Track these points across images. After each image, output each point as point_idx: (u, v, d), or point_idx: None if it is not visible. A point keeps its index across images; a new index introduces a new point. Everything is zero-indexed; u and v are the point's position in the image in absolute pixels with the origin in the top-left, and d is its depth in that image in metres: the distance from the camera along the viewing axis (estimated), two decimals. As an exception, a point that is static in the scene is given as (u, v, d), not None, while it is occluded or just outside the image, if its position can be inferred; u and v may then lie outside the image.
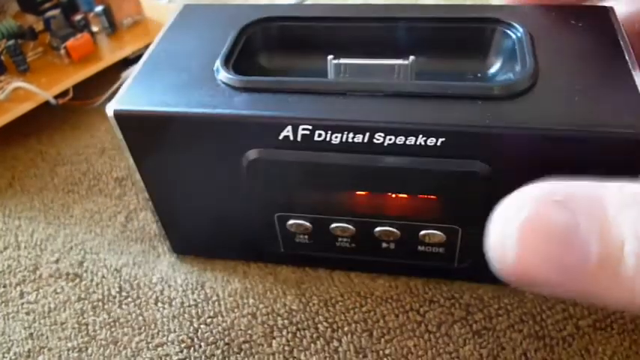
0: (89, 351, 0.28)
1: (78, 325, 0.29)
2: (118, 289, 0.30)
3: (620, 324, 0.27)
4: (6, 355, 0.28)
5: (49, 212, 0.35)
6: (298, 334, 0.27)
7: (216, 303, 0.29)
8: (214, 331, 0.28)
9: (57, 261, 0.32)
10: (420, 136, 0.23)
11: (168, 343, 0.28)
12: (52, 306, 0.30)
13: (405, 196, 0.25)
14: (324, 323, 0.28)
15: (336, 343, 0.27)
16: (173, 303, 0.29)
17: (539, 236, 0.17)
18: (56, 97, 0.40)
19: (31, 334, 0.29)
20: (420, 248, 0.27)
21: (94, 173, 0.37)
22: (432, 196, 0.25)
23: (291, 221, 0.27)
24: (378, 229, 0.27)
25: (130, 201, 0.35)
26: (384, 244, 0.28)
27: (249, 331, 0.28)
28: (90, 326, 0.29)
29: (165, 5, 0.49)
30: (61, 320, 0.29)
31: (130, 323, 0.29)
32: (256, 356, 0.27)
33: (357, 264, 0.30)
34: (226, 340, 0.27)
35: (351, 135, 0.23)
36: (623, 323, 0.27)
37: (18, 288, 0.31)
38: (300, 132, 0.23)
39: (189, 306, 0.29)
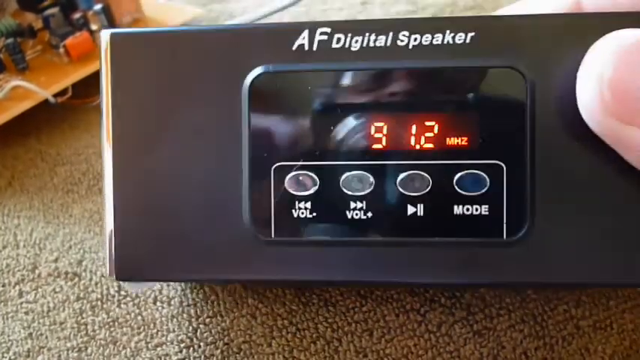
0: (89, 351, 0.28)
1: (77, 324, 0.29)
2: (116, 289, 0.30)
3: (619, 324, 0.27)
4: (5, 354, 0.28)
5: (48, 211, 0.35)
6: (298, 334, 0.27)
7: (215, 302, 0.29)
8: (213, 331, 0.28)
9: (56, 260, 0.32)
10: (448, 32, 0.21)
11: (168, 343, 0.28)
12: (51, 305, 0.30)
13: (432, 121, 0.22)
14: (324, 323, 0.28)
15: (336, 343, 0.27)
16: (172, 302, 0.29)
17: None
18: (55, 95, 0.40)
19: (31, 333, 0.29)
20: (457, 210, 0.22)
21: (93, 173, 0.37)
22: (465, 114, 0.22)
23: (292, 174, 0.22)
24: (402, 175, 0.22)
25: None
26: (411, 208, 0.22)
27: (249, 331, 0.27)
28: (89, 326, 0.29)
29: (163, 3, 0.49)
30: (60, 320, 0.29)
31: (129, 323, 0.28)
32: (256, 356, 0.27)
33: (374, 261, 0.23)
34: (225, 340, 0.27)
35: (372, 37, 0.21)
36: (622, 323, 0.27)
37: (17, 287, 0.31)
38: (318, 37, 0.22)
39: (189, 305, 0.29)
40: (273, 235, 0.22)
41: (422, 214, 0.22)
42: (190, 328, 0.28)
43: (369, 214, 0.22)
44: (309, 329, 0.27)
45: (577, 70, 0.20)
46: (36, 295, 0.30)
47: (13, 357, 0.28)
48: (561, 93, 0.21)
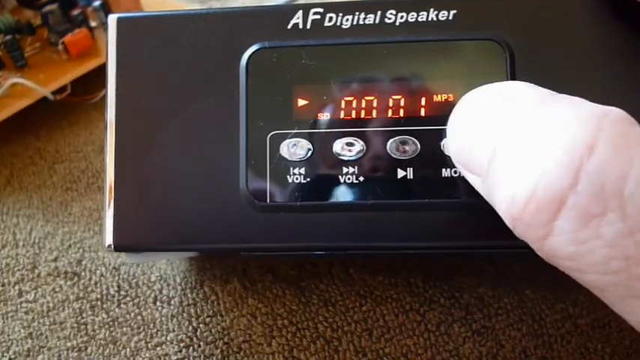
0: (88, 350, 0.28)
1: (77, 324, 0.29)
2: (116, 288, 0.30)
3: (618, 322, 0.27)
4: (5, 354, 0.28)
5: (47, 210, 0.35)
6: (298, 334, 0.27)
7: (215, 302, 0.29)
8: (213, 331, 0.28)
9: (55, 259, 0.32)
10: (432, 10, 0.23)
11: (167, 343, 0.28)
12: (51, 305, 0.30)
13: (419, 91, 0.23)
14: (324, 323, 0.28)
15: (335, 343, 0.27)
16: (172, 302, 0.29)
17: None
18: (54, 93, 0.40)
19: (31, 333, 0.29)
20: (445, 172, 0.23)
21: (92, 171, 0.37)
22: (450, 84, 0.23)
23: (287, 141, 0.23)
24: (392, 141, 0.23)
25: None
26: (401, 172, 0.23)
27: (249, 331, 0.28)
28: (89, 326, 0.29)
29: (162, 1, 0.48)
30: (60, 320, 0.29)
31: (129, 323, 0.29)
32: (256, 356, 0.27)
33: (367, 224, 0.23)
34: (225, 339, 0.27)
35: (362, 15, 0.23)
36: (621, 321, 0.27)
37: (16, 287, 0.31)
38: (311, 17, 0.24)
39: (188, 305, 0.29)
40: (268, 200, 0.23)
41: (411, 177, 0.23)
42: (190, 327, 0.28)
43: (361, 178, 0.23)
44: (308, 329, 0.27)
45: (553, 41, 0.23)
46: (36, 294, 0.30)
47: (13, 356, 0.28)
48: (540, 65, 0.23)
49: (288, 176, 0.23)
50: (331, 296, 0.29)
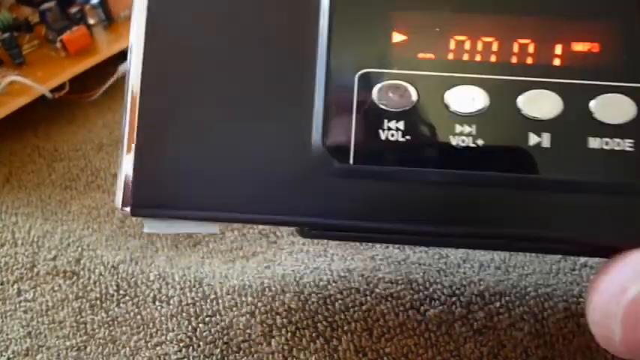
0: (88, 350, 0.28)
1: (76, 323, 0.29)
2: (115, 288, 0.30)
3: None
4: (4, 353, 0.28)
5: (46, 208, 0.35)
6: (297, 333, 0.27)
7: (215, 301, 0.29)
8: (213, 330, 0.28)
9: (54, 258, 0.32)
10: None
11: (167, 342, 0.27)
12: (50, 304, 0.30)
13: (562, 29, 0.17)
14: (324, 322, 0.27)
15: (335, 342, 0.27)
16: (171, 301, 0.29)
17: None
18: (52, 90, 0.40)
19: (29, 332, 0.29)
20: (593, 143, 0.17)
21: (91, 169, 0.37)
22: (602, 23, 0.17)
23: (382, 83, 0.18)
24: (525, 94, 0.17)
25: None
26: (534, 137, 0.17)
27: (248, 330, 0.27)
28: (88, 325, 0.29)
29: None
30: (59, 319, 0.29)
31: (129, 322, 0.28)
32: (255, 355, 0.27)
33: (485, 204, 0.18)
34: (225, 339, 0.27)
35: None
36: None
37: (15, 285, 0.31)
38: None
39: (188, 304, 0.29)
40: (351, 161, 0.17)
41: (548, 145, 0.17)
42: (190, 327, 0.28)
43: (480, 142, 0.17)
44: (308, 328, 0.27)
45: None
46: (34, 293, 0.30)
47: (11, 356, 0.28)
48: None
49: (380, 131, 0.18)
50: (330, 294, 0.28)
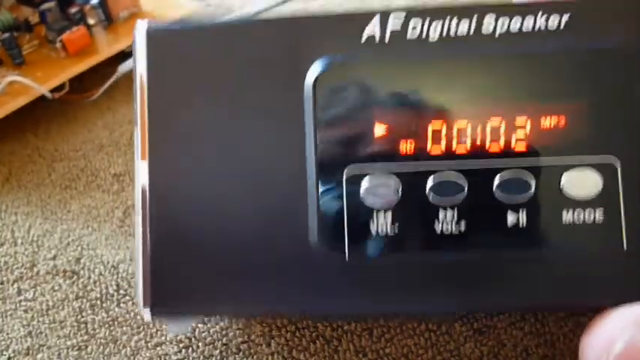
0: (89, 349, 0.28)
1: (77, 323, 0.29)
2: (115, 288, 0.30)
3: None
4: (5, 352, 0.28)
5: (46, 208, 0.35)
6: (297, 334, 0.27)
7: (215, 301, 0.29)
8: (212, 331, 0.27)
9: (54, 258, 0.32)
10: (540, 13, 0.18)
11: (167, 343, 0.27)
12: (51, 304, 0.30)
13: (528, 115, 0.18)
14: (324, 322, 0.27)
15: (335, 343, 0.27)
16: (172, 301, 0.29)
17: None
18: (52, 91, 0.40)
19: (30, 332, 0.29)
20: (566, 216, 0.18)
21: (91, 169, 0.37)
22: (567, 104, 0.18)
23: (368, 179, 0.19)
24: (499, 178, 0.18)
25: (127, 197, 0.35)
26: (512, 217, 0.18)
27: (247, 331, 0.27)
28: (89, 325, 0.29)
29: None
30: (59, 318, 0.29)
31: (129, 322, 0.28)
32: (255, 356, 0.27)
33: (470, 282, 0.19)
34: (224, 340, 0.27)
35: (454, 22, 0.18)
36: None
37: (15, 285, 0.31)
38: (390, 26, 0.18)
39: (188, 304, 0.29)
40: (347, 258, 0.19)
41: (524, 224, 0.18)
42: (189, 327, 0.28)
43: (462, 227, 0.19)
44: (308, 328, 0.27)
45: None
46: (35, 293, 0.30)
47: (12, 355, 0.28)
48: None
49: (371, 225, 0.19)
50: (331, 295, 0.28)
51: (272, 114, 0.19)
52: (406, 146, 0.19)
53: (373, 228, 0.19)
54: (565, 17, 0.18)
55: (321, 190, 0.19)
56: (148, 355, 0.27)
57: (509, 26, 0.18)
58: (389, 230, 0.19)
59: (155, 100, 0.20)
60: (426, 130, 0.19)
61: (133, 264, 0.31)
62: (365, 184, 0.19)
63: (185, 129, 0.20)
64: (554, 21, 0.18)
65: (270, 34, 0.19)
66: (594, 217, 0.18)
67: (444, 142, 0.18)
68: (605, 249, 0.18)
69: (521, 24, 0.18)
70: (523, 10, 0.18)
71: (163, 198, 0.20)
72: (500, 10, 0.18)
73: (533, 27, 0.18)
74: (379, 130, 0.19)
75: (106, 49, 0.42)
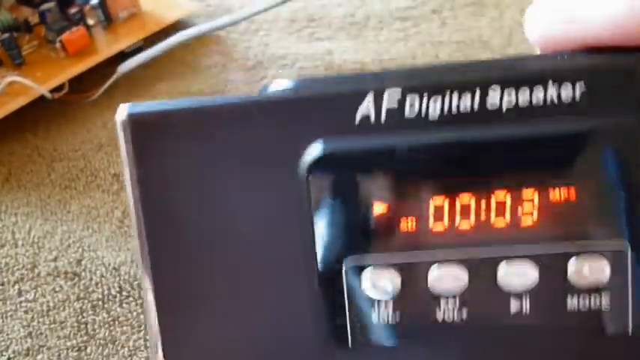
0: (88, 350, 0.28)
1: (77, 324, 0.29)
2: (118, 289, 0.30)
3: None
4: (4, 353, 0.28)
5: (46, 208, 0.35)
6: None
7: (215, 302, 0.29)
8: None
9: (55, 259, 0.32)
10: (550, 82, 0.17)
11: (168, 343, 0.28)
12: (51, 305, 0.30)
13: (535, 199, 0.18)
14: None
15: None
16: (172, 302, 0.29)
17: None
18: (52, 91, 0.40)
19: (30, 332, 0.29)
20: (571, 303, 0.18)
21: (91, 169, 0.37)
22: (574, 187, 0.17)
23: (369, 270, 0.18)
24: (504, 267, 0.18)
25: (127, 197, 0.35)
26: (515, 304, 0.18)
27: None
28: (89, 325, 0.29)
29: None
30: (60, 319, 0.29)
31: (130, 322, 0.29)
32: (256, 356, 0.27)
33: None
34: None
35: (455, 98, 0.17)
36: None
37: (16, 286, 0.31)
38: (385, 104, 0.17)
39: (188, 305, 0.29)
40: (350, 346, 0.18)
41: (527, 311, 0.18)
42: None
43: (464, 316, 0.18)
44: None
45: None
46: (35, 294, 0.30)
47: (12, 355, 0.28)
48: None
49: (374, 316, 0.18)
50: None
51: (266, 208, 0.18)
52: (407, 237, 0.18)
53: (376, 318, 0.18)
54: (578, 88, 0.17)
55: (320, 282, 0.18)
56: (146, 354, 0.27)
57: (517, 100, 0.17)
58: (391, 319, 0.18)
59: (146, 193, 0.19)
60: (427, 221, 0.18)
61: (135, 265, 0.31)
62: (368, 273, 0.18)
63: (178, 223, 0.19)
64: (567, 93, 0.17)
65: (259, 117, 0.18)
66: (600, 303, 0.18)
67: (445, 232, 0.18)
68: (609, 334, 0.18)
69: (530, 96, 0.17)
70: (530, 80, 0.17)
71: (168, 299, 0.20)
72: (505, 82, 0.17)
73: (544, 99, 0.17)
74: (378, 219, 0.18)
75: (106, 49, 0.42)
